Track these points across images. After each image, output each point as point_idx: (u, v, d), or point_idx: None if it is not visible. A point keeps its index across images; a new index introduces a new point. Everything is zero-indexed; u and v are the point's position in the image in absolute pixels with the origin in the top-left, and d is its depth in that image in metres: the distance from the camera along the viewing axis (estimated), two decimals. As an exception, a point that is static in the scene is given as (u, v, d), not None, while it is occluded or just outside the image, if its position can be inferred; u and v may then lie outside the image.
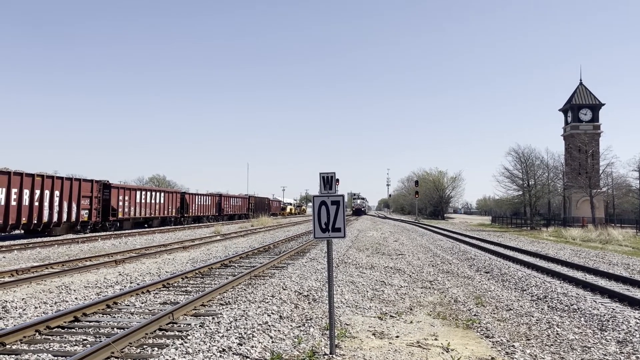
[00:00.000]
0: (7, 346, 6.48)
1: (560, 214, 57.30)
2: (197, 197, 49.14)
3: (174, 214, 42.76)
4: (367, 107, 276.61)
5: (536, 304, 10.45)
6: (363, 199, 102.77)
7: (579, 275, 14.46)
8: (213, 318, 7.95)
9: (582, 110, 55.46)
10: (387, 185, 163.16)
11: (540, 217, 52.82)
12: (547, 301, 10.62)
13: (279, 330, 7.36)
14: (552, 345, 7.25)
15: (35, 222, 25.20)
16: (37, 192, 25.27)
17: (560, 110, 58.67)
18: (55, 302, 9.48)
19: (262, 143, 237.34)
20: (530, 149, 52.67)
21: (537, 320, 8.82)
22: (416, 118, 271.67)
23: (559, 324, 8.55)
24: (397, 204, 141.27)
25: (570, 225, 45.00)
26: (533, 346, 7.14)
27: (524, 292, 11.87)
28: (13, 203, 23.56)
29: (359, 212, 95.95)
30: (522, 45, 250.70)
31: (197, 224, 46.09)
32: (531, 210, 51.89)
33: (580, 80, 57.38)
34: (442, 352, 6.56)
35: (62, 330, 7.41)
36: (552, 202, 61.70)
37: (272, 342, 6.80)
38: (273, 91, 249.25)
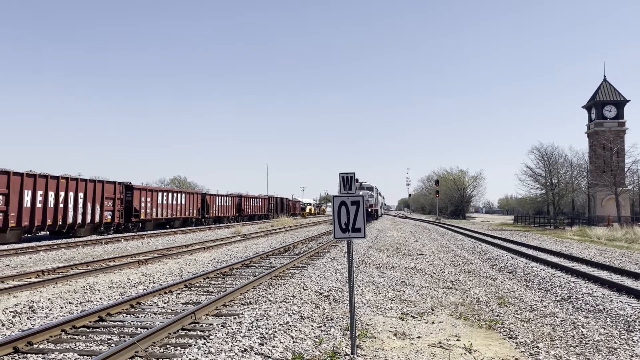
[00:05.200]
0: (35, 345, 6.61)
1: (585, 212, 56.26)
2: (217, 197, 49.51)
3: (195, 215, 43.15)
4: (386, 107, 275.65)
5: (560, 304, 10.29)
6: (371, 188, 53.32)
7: (604, 275, 14.19)
8: (234, 318, 8.00)
9: (606, 107, 54.38)
10: (407, 184, 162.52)
11: (564, 216, 51.95)
12: (571, 301, 10.45)
13: (300, 331, 7.38)
14: (577, 346, 7.12)
15: (60, 223, 25.67)
16: (62, 194, 25.75)
17: (583, 107, 57.63)
18: (81, 302, 9.64)
19: (282, 144, 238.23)
20: (553, 147, 52.04)
21: (561, 320, 8.68)
22: (436, 117, 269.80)
23: (584, 324, 8.39)
24: (417, 204, 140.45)
25: (595, 224, 44.16)
26: (558, 347, 7.02)
27: (548, 292, 11.69)
28: (39, 205, 24.05)
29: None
30: (544, 43, 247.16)
31: (217, 225, 46.44)
32: (554, 209, 51.13)
33: (604, 76, 56.29)
34: (465, 353, 6.49)
35: (88, 330, 7.53)
36: (576, 200, 60.66)
37: (293, 342, 6.81)
38: (293, 93, 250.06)
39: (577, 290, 11.53)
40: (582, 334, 7.73)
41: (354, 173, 6.80)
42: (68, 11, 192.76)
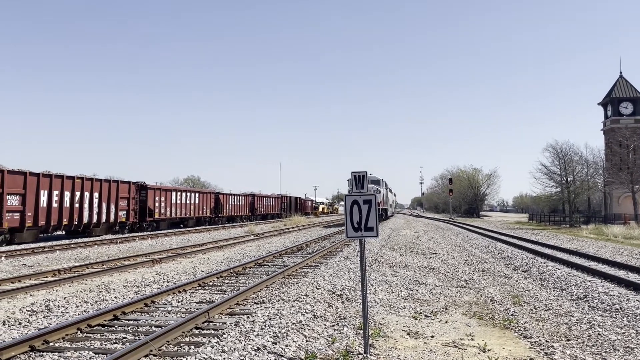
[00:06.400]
0: (51, 344, 6.69)
1: (601, 210, 55.60)
2: (230, 197, 49.72)
3: (208, 214, 43.39)
4: (399, 105, 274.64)
5: (576, 303, 10.16)
6: (377, 181, 43.01)
7: (621, 273, 13.99)
8: (248, 317, 8.03)
9: (622, 104, 53.75)
10: (420, 183, 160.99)
11: (579, 214, 51.35)
12: (587, 300, 10.31)
13: (313, 330, 7.38)
14: (593, 345, 7.04)
15: (76, 223, 25.97)
16: (77, 194, 26.05)
17: (599, 104, 56.99)
18: (96, 301, 9.74)
19: (294, 142, 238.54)
20: (568, 145, 51.42)
21: (577, 320, 8.58)
22: (450, 115, 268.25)
23: (601, 324, 8.29)
24: (430, 202, 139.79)
25: (612, 222, 43.59)
26: (573, 347, 6.94)
27: (563, 291, 11.56)
28: (55, 205, 24.35)
29: None
30: (559, 38, 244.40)
31: (231, 224, 46.64)
32: (570, 207, 50.54)
33: (620, 72, 55.71)
34: (479, 352, 6.45)
35: (103, 329, 7.61)
36: (592, 198, 59.93)
37: (306, 341, 6.82)
38: (305, 90, 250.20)
39: (593, 289, 11.39)
40: (598, 334, 7.63)
41: (365, 172, 6.79)
42: (81, 9, 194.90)
